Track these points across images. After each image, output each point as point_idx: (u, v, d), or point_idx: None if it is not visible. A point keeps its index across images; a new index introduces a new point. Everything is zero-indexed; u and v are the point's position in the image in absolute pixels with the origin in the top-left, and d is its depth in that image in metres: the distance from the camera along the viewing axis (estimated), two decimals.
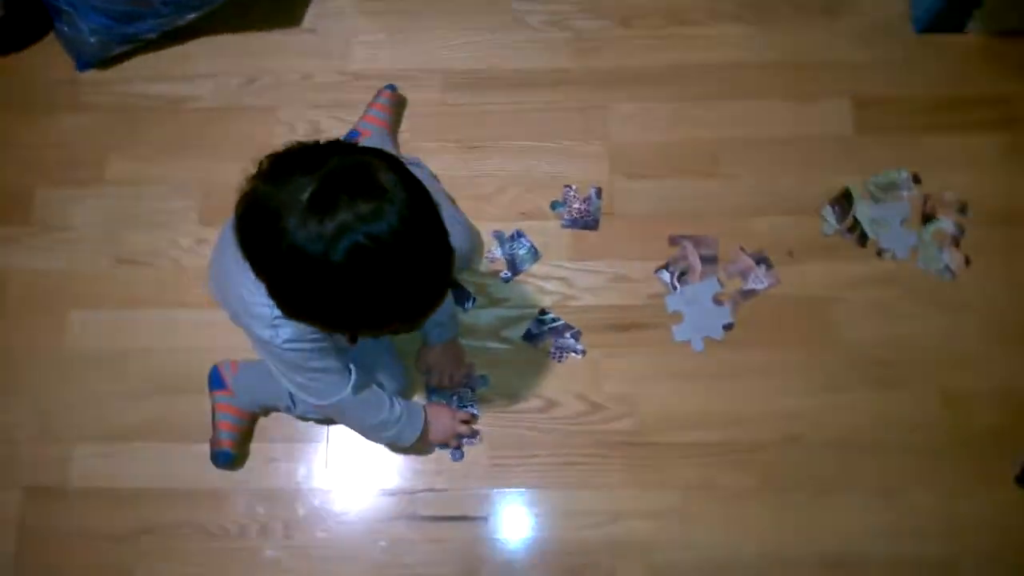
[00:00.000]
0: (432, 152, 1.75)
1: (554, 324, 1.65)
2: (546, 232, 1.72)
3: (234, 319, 1.24)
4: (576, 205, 1.73)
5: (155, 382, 1.64)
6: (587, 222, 1.71)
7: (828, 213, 1.69)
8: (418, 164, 1.56)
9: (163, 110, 1.83)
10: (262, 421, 1.60)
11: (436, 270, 1.04)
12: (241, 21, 1.87)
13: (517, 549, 1.53)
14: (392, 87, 1.76)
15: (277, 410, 1.56)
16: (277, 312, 1.08)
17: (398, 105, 1.78)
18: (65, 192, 1.78)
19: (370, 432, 1.46)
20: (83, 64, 1.85)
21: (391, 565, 1.53)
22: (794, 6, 1.85)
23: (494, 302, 1.68)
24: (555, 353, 1.64)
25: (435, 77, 1.83)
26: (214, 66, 1.86)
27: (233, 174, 0.99)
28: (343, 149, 1.02)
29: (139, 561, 1.54)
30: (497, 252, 1.70)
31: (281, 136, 1.74)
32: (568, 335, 1.65)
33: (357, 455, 1.59)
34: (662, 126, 1.78)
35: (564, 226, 1.71)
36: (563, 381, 1.62)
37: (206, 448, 1.55)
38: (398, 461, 1.58)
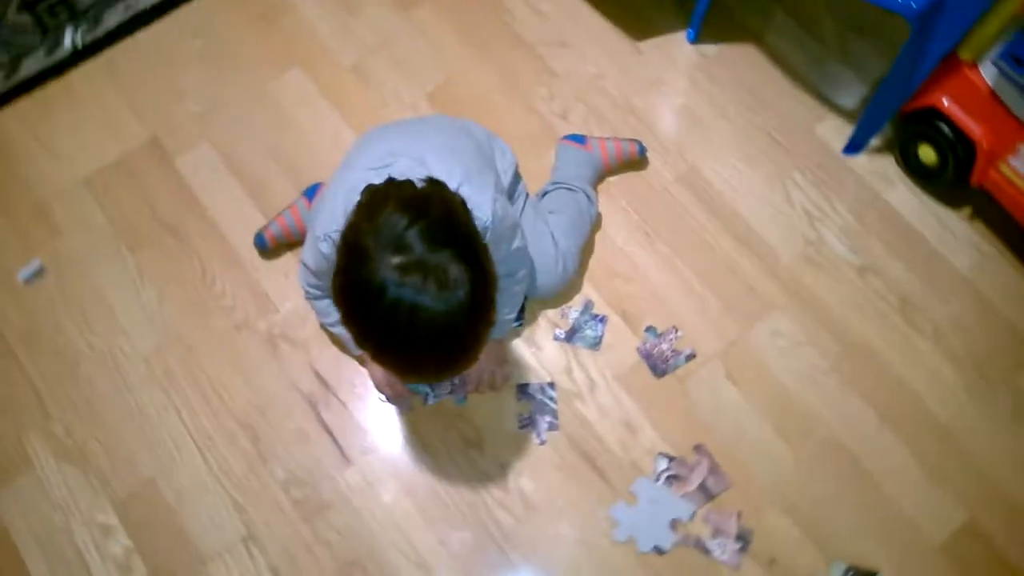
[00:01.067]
0: (614, 218, 1.75)
1: (548, 402, 1.61)
2: (618, 336, 1.66)
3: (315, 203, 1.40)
4: (664, 346, 1.66)
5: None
6: (656, 366, 1.64)
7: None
8: (523, 194, 1.64)
9: None
10: None
11: (449, 360, 1.20)
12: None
13: None
14: (643, 149, 1.76)
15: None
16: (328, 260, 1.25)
17: (628, 160, 1.77)
18: None
19: (323, 321, 1.56)
20: None
21: None
22: None
23: (525, 341, 1.66)
24: (524, 420, 1.60)
25: (683, 165, 1.80)
26: None
27: None
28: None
29: None
30: (574, 312, 1.68)
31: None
32: (547, 419, 1.61)
33: None
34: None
35: (637, 348, 1.66)
36: (505, 443, 1.58)
37: None
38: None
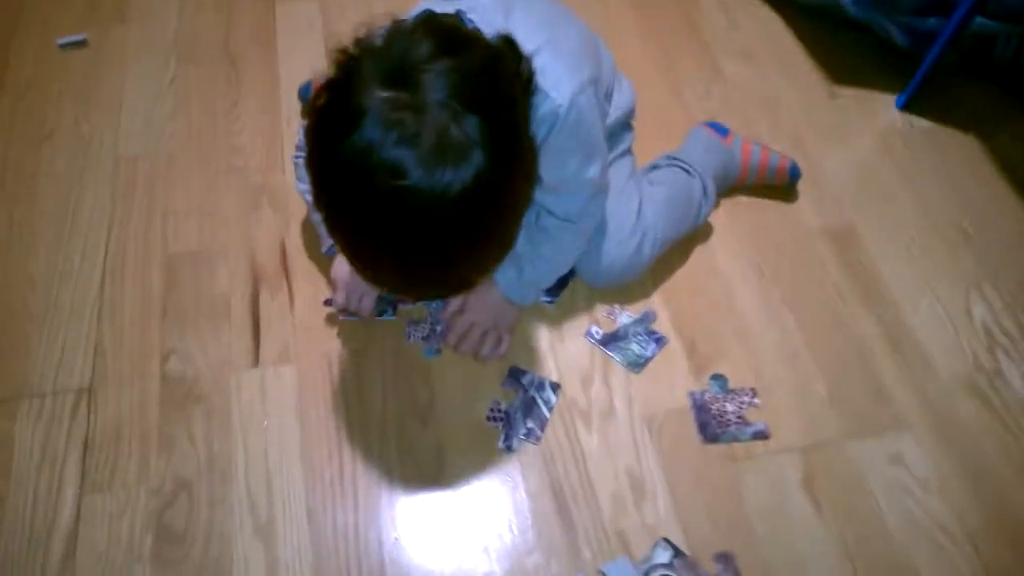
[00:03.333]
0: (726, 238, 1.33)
1: (540, 404, 1.12)
2: (671, 367, 1.17)
3: None
4: (729, 406, 1.14)
5: None
6: (708, 425, 1.11)
7: None
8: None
9: None
10: None
11: (420, 266, 0.83)
12: None
13: None
14: (795, 172, 1.34)
15: None
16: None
17: (772, 179, 1.36)
18: None
19: (305, 197, 1.17)
20: None
21: None
22: None
23: (547, 323, 1.21)
24: (496, 412, 1.11)
25: (836, 220, 1.35)
26: None
27: None
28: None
29: None
30: (625, 316, 1.21)
31: None
32: (529, 424, 1.11)
33: None
34: None
35: (690, 393, 1.15)
36: (459, 429, 1.10)
37: None
38: None
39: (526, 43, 0.88)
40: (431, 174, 0.75)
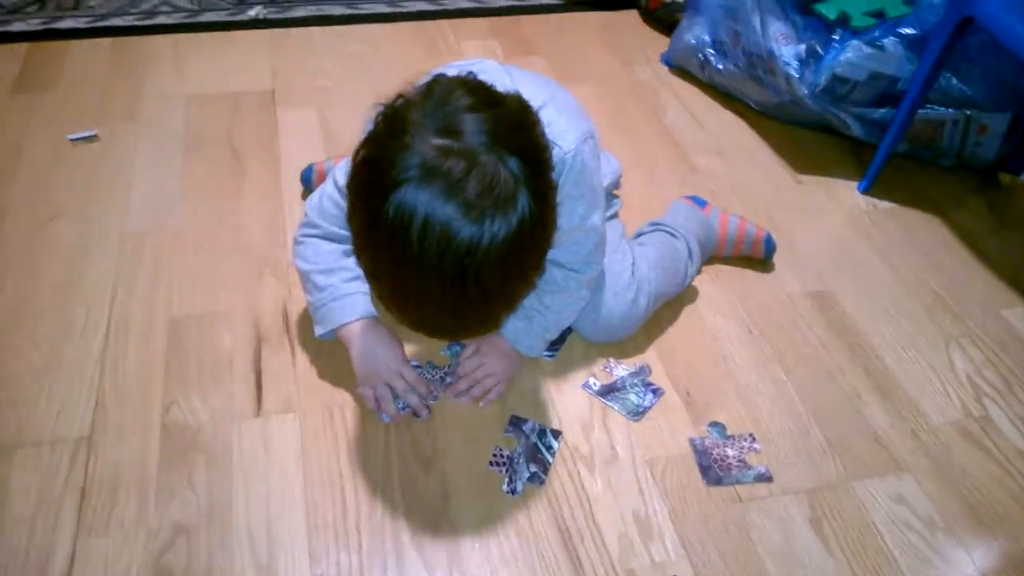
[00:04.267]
0: (714, 301, 1.40)
1: (543, 450, 1.12)
2: (669, 416, 1.19)
3: None
4: (730, 451, 1.15)
5: None
6: (710, 469, 1.12)
7: None
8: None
9: None
10: None
11: (459, 303, 0.86)
12: None
13: None
14: (771, 244, 1.42)
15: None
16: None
17: (749, 248, 1.43)
18: None
19: (302, 280, 1.20)
20: None
21: None
22: None
23: (549, 372, 1.23)
24: (499, 457, 1.11)
25: (815, 284, 1.43)
26: None
27: None
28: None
29: None
30: (621, 369, 1.24)
31: None
32: (532, 468, 1.11)
33: None
34: None
35: (691, 439, 1.16)
36: (462, 475, 1.10)
37: None
38: None
39: (532, 100, 0.95)
40: (482, 219, 0.80)
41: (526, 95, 0.95)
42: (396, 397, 1.15)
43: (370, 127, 0.89)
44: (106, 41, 1.91)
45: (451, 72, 1.07)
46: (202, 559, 0.98)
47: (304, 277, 1.17)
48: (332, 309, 1.14)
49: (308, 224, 1.17)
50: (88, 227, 1.42)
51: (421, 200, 0.79)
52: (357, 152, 0.89)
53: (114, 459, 1.07)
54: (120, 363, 1.20)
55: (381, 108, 0.89)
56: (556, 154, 0.98)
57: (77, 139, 1.58)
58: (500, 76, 1.06)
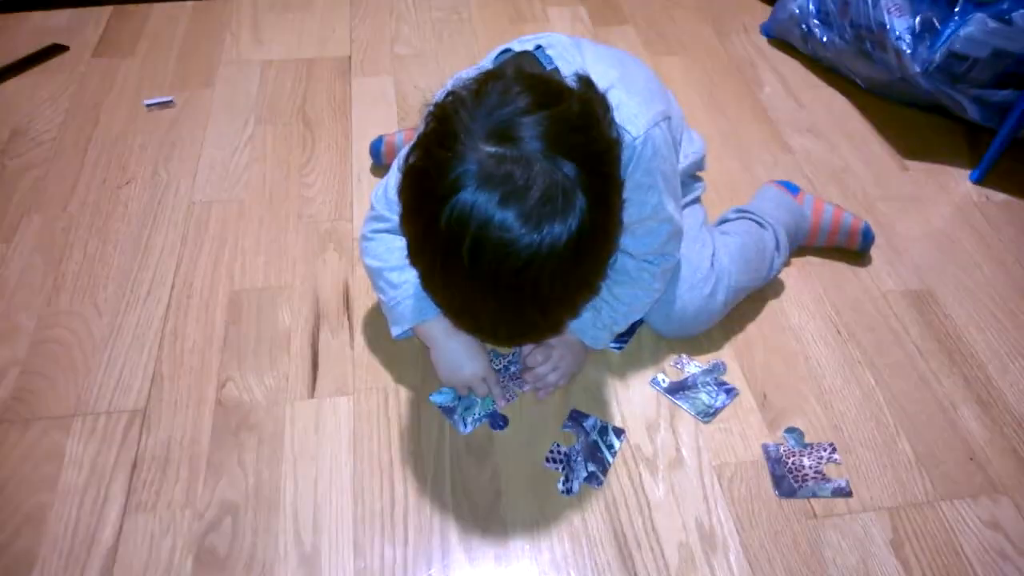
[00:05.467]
0: (800, 297, 1.30)
1: (603, 449, 1.06)
2: (742, 419, 1.11)
3: None
4: (807, 461, 1.06)
5: None
6: (784, 480, 1.03)
7: None
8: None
9: None
10: None
11: (517, 311, 0.83)
12: None
13: None
14: (868, 235, 1.30)
15: None
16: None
17: (844, 240, 1.31)
18: None
19: (374, 278, 1.13)
20: None
21: None
22: None
23: (615, 366, 1.16)
24: (556, 455, 1.05)
25: (914, 282, 1.31)
26: None
27: None
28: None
29: None
30: (693, 365, 1.16)
31: None
32: (591, 468, 1.05)
33: None
34: None
35: (764, 445, 1.07)
36: (517, 471, 1.05)
37: None
38: None
39: (600, 80, 0.88)
40: (539, 230, 0.75)
41: (594, 74, 0.88)
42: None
43: (421, 128, 0.84)
44: (188, 5, 1.91)
45: (516, 47, 1.00)
46: (247, 541, 0.96)
47: (375, 275, 1.11)
48: (410, 307, 1.08)
49: (376, 218, 1.10)
50: (158, 193, 1.42)
51: (476, 210, 0.75)
52: (407, 157, 0.83)
53: (167, 434, 1.07)
54: (180, 336, 1.19)
55: (431, 108, 0.83)
56: (624, 140, 0.91)
57: (153, 104, 1.58)
58: (569, 52, 0.99)
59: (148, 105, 1.58)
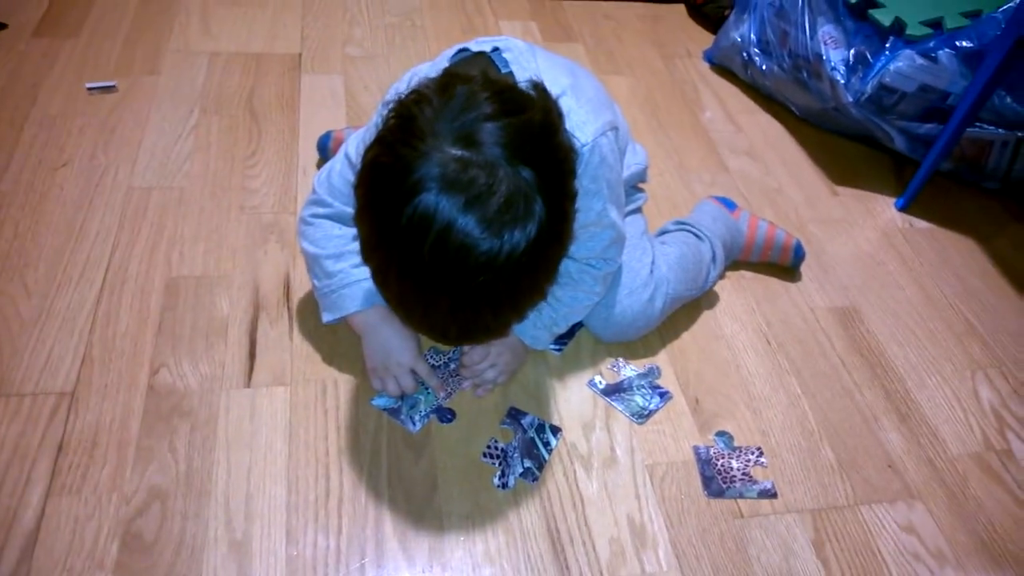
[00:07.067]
0: (733, 308, 1.34)
1: (539, 446, 1.07)
2: (674, 422, 1.14)
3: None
4: (735, 463, 1.09)
5: None
6: (712, 480, 1.06)
7: None
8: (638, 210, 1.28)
9: None
10: None
11: (471, 316, 0.85)
12: None
13: None
14: (800, 252, 1.36)
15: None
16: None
17: (777, 256, 1.37)
18: None
19: (309, 263, 1.13)
20: None
21: None
22: None
23: (553, 367, 1.19)
24: (493, 449, 1.06)
25: (841, 300, 1.37)
26: None
27: None
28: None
29: None
30: (629, 369, 1.19)
31: None
32: (527, 463, 1.06)
33: None
34: None
35: (695, 447, 1.11)
36: (453, 464, 1.05)
37: None
38: None
39: (552, 86, 0.90)
40: (499, 235, 0.76)
41: (547, 80, 0.90)
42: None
43: (377, 121, 0.85)
44: None
45: (473, 48, 1.02)
46: (175, 527, 0.94)
47: (312, 261, 1.11)
48: (343, 296, 1.08)
49: (316, 202, 1.10)
50: (96, 177, 1.38)
51: (439, 212, 0.75)
52: (367, 152, 0.83)
53: (95, 417, 1.04)
54: (112, 319, 1.16)
55: (393, 104, 0.83)
56: (575, 144, 0.93)
57: (95, 88, 1.55)
58: (524, 57, 1.01)
59: (90, 88, 1.54)
